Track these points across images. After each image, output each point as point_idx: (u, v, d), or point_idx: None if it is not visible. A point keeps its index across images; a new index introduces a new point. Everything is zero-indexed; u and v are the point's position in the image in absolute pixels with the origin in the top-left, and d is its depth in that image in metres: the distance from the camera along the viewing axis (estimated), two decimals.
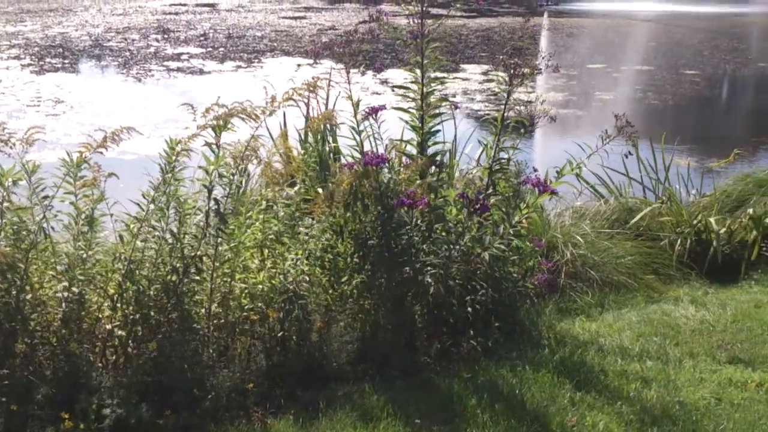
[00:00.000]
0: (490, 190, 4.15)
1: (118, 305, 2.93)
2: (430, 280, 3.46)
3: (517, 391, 3.05)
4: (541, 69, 4.12)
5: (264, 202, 3.38)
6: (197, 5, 26.08)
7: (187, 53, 15.64)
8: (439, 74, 4.23)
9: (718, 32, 20.58)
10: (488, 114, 10.50)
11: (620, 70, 14.65)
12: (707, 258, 4.86)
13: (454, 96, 11.50)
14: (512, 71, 4.06)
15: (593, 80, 13.46)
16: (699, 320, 3.86)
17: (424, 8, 4.06)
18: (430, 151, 4.25)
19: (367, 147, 4.14)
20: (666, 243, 5.03)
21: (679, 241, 4.98)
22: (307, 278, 3.14)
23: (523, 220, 3.98)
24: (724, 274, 4.80)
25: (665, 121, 10.87)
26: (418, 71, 4.10)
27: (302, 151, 4.62)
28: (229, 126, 2.93)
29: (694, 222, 5.10)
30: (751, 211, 5.14)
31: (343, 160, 4.80)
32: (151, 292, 2.92)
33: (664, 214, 5.32)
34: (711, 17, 24.79)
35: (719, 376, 3.20)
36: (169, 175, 2.94)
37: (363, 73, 11.89)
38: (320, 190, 4.05)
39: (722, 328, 3.76)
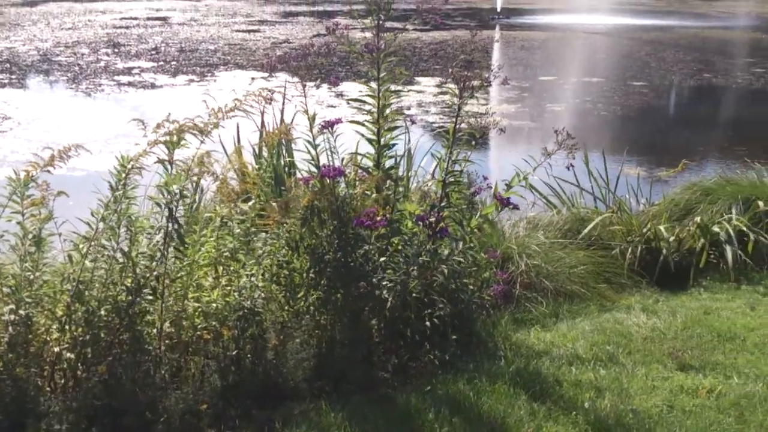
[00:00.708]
0: (444, 203, 4.18)
1: (67, 327, 2.85)
2: (387, 294, 3.46)
3: (474, 404, 3.06)
4: (490, 82, 4.17)
5: (219, 219, 3.34)
6: (149, 19, 25.77)
7: (139, 67, 15.43)
8: (395, 87, 4.25)
9: (665, 44, 21.14)
10: (443, 126, 10.58)
11: (570, 82, 14.93)
12: (658, 266, 4.97)
13: (409, 108, 11.57)
14: (462, 84, 4.10)
15: (545, 92, 13.69)
16: (650, 328, 3.93)
17: (380, 22, 4.07)
18: (387, 164, 4.27)
19: (323, 161, 4.14)
20: (617, 252, 5.12)
21: (630, 249, 5.08)
22: (263, 295, 3.11)
23: (478, 231, 4.02)
24: (674, 282, 4.90)
25: (615, 131, 11.11)
26: (374, 84, 4.11)
27: (257, 166, 4.59)
28: (183, 142, 2.89)
29: (644, 231, 5.21)
30: (698, 219, 5.27)
31: (298, 174, 4.78)
32: (102, 313, 2.85)
33: (615, 224, 5.42)
34: (657, 29, 25.47)
35: (671, 384, 3.26)
36: (120, 192, 2.89)
37: (318, 86, 11.87)
38: (274, 204, 4.04)
39: (673, 335, 3.84)
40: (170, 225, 2.78)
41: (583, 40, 22.95)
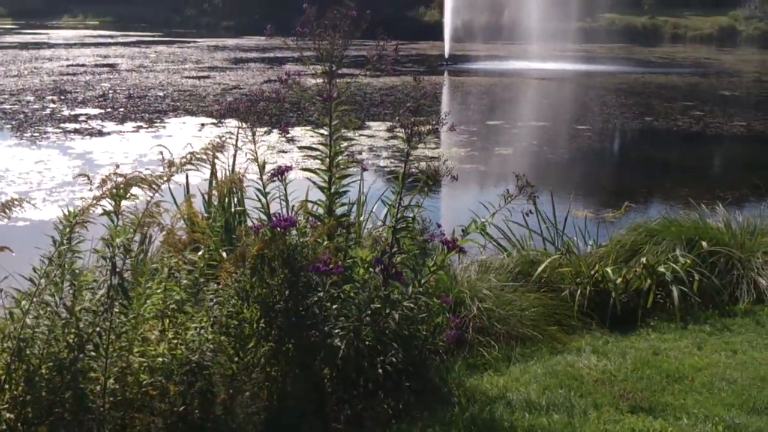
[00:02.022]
0: (395, 249, 4.19)
1: (7, 386, 2.74)
2: (339, 342, 3.43)
3: None
4: (438, 128, 4.24)
5: (166, 269, 3.28)
6: (96, 66, 25.55)
7: (86, 114, 15.23)
8: (346, 132, 4.28)
9: (607, 89, 21.83)
10: (394, 170, 10.67)
11: (517, 126, 15.26)
12: (607, 307, 5.04)
13: (360, 153, 11.65)
14: (410, 130, 4.16)
15: (493, 136, 13.95)
16: (601, 370, 3.97)
17: (332, 70, 4.11)
18: (338, 211, 4.26)
19: (274, 208, 4.12)
20: (567, 293, 5.18)
21: (579, 291, 5.14)
22: (211, 347, 3.04)
23: (431, 278, 4.02)
24: (623, 323, 4.97)
25: (562, 173, 11.35)
26: (325, 131, 4.13)
27: (207, 215, 4.53)
28: (129, 195, 2.84)
29: (592, 272, 5.29)
30: (644, 260, 5.38)
31: (249, 223, 4.74)
32: (43, 371, 2.75)
33: (563, 266, 5.50)
34: (600, 75, 26.31)
35: (622, 427, 3.28)
36: (65, 247, 2.82)
37: (269, 132, 11.89)
38: (224, 254, 3.98)
39: (623, 377, 3.87)
40: (114, 279, 2.71)
41: (529, 86, 23.56)
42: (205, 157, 3.11)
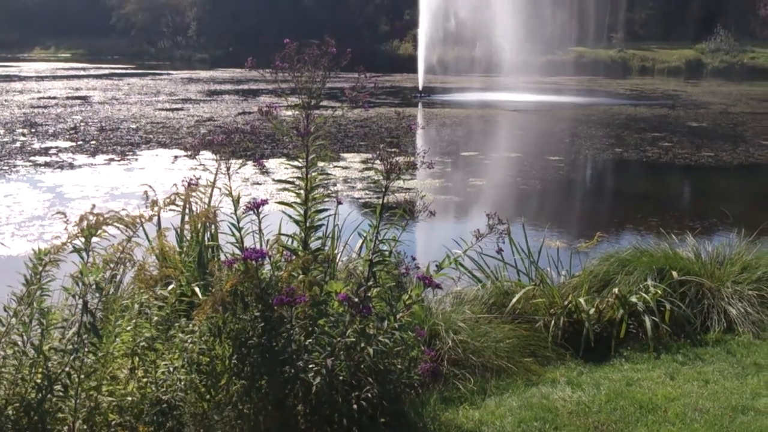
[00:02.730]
0: (371, 282, 4.18)
1: None
2: (313, 377, 3.40)
3: None
4: (416, 164, 4.27)
5: (136, 306, 3.24)
6: (68, 98, 25.40)
7: (56, 147, 15.10)
8: (323, 169, 4.29)
9: (578, 121, 22.17)
10: (369, 201, 10.69)
11: (491, 157, 15.41)
12: (581, 338, 5.07)
13: (335, 185, 11.66)
14: (389, 166, 4.18)
15: (467, 167, 14.06)
16: (575, 402, 3.98)
17: (309, 105, 4.12)
18: (313, 245, 4.25)
19: (248, 242, 4.10)
20: (541, 324, 5.21)
21: (553, 322, 5.17)
22: (182, 385, 3.00)
23: (406, 312, 4.02)
24: (596, 353, 5.00)
25: (535, 204, 11.46)
26: (301, 163, 4.13)
27: (179, 250, 4.50)
28: (101, 232, 2.81)
29: (566, 303, 5.32)
30: (616, 290, 5.43)
31: (222, 257, 4.71)
32: (9, 412, 2.69)
33: (537, 296, 5.53)
34: (571, 107, 26.74)
35: None
36: (35, 286, 2.77)
37: (243, 164, 11.87)
38: (197, 290, 3.95)
39: (597, 408, 3.88)
40: (85, 317, 2.67)
41: (502, 117, 23.85)
42: (187, 197, 3.11)
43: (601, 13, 53.19)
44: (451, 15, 36.57)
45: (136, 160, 13.88)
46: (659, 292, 5.39)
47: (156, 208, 2.94)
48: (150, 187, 3.43)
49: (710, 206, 11.60)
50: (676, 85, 39.12)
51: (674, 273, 5.66)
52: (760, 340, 5.12)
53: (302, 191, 4.17)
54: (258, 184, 11.55)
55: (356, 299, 3.61)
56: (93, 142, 15.91)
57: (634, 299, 5.33)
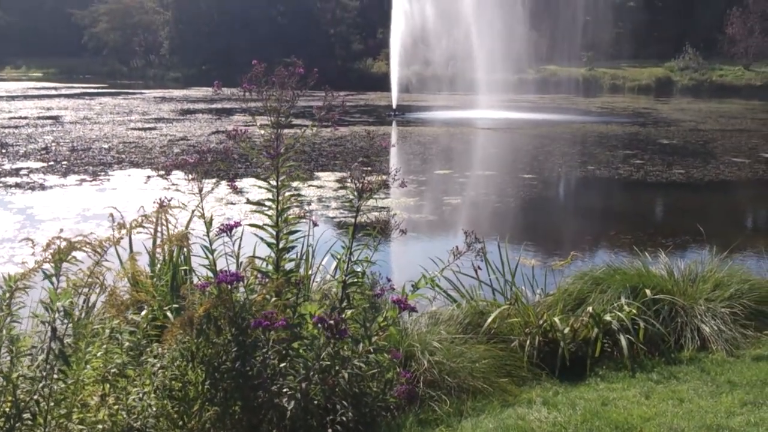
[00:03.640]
0: (345, 304, 4.16)
1: None
2: (287, 402, 3.36)
3: None
4: (388, 184, 4.26)
5: (107, 331, 3.18)
6: (39, 118, 25.11)
7: (27, 168, 14.90)
8: (294, 185, 4.27)
9: (551, 138, 22.40)
10: (343, 221, 10.67)
11: (465, 176, 15.48)
12: (556, 357, 5.07)
13: (309, 204, 11.63)
14: (362, 186, 4.18)
15: (441, 185, 14.11)
16: (551, 422, 3.97)
17: (279, 126, 4.11)
18: (287, 267, 4.22)
19: (221, 264, 4.06)
20: (516, 344, 5.21)
21: (528, 341, 5.17)
22: (154, 412, 2.94)
23: (380, 334, 3.99)
24: (572, 372, 5.00)
25: (509, 222, 11.52)
26: (273, 183, 4.11)
27: (151, 274, 4.44)
28: (71, 257, 2.76)
29: (541, 322, 5.33)
30: (590, 309, 5.45)
31: (195, 280, 4.66)
32: None
33: (512, 316, 5.53)
34: (543, 125, 27.03)
35: None
36: (4, 312, 2.71)
37: (217, 185, 11.79)
38: (169, 314, 3.89)
39: (573, 429, 3.88)
40: (54, 344, 2.61)
41: (475, 135, 24.02)
42: (158, 220, 3.07)
43: (572, 32, 54.01)
44: (424, 33, 36.85)
45: (108, 180, 13.73)
46: (633, 310, 5.42)
47: (123, 231, 2.89)
48: (116, 209, 3.38)
49: (682, 223, 11.75)
50: (646, 102, 39.74)
51: (648, 291, 5.70)
52: (733, 357, 5.16)
53: (274, 214, 4.14)
54: (231, 203, 11.47)
55: (331, 321, 3.58)
56: (64, 162, 15.72)
57: (608, 318, 5.36)
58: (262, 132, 4.15)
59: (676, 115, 31.11)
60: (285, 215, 4.18)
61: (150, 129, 22.12)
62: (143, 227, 3.02)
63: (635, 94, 48.57)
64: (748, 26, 51.55)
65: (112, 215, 3.11)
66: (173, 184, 9.79)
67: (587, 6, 58.34)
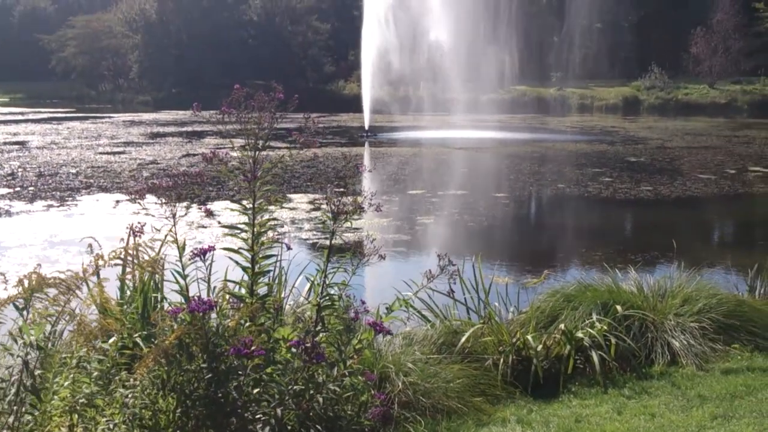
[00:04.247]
0: (320, 327, 4.14)
1: None
2: (261, 428, 3.32)
3: None
4: (364, 208, 4.27)
5: (75, 361, 3.13)
6: (5, 143, 24.77)
7: None
8: (272, 209, 4.26)
9: (521, 157, 22.63)
10: (317, 242, 10.65)
11: (438, 195, 15.55)
12: (530, 375, 5.10)
13: (282, 226, 11.58)
14: (336, 209, 4.18)
15: (414, 205, 14.16)
16: None
17: (257, 150, 4.10)
18: (261, 291, 4.19)
19: (194, 289, 4.02)
20: (490, 363, 5.22)
21: (502, 360, 5.20)
22: None
23: (355, 356, 3.98)
24: (545, 389, 5.03)
25: (482, 241, 11.57)
26: (247, 204, 4.09)
27: (121, 301, 4.38)
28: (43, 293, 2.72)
29: (514, 340, 5.36)
30: (563, 326, 5.50)
31: (166, 306, 4.60)
32: None
33: (486, 334, 5.55)
34: (514, 144, 27.31)
35: None
36: None
37: (188, 208, 11.71)
38: (139, 341, 3.84)
39: None
40: (23, 376, 2.57)
41: (447, 155, 24.17)
42: (127, 251, 3.04)
43: (540, 53, 54.86)
44: (395, 55, 37.15)
45: (76, 205, 13.57)
46: (604, 326, 5.48)
47: (101, 263, 2.86)
48: (94, 239, 3.34)
49: (651, 239, 11.92)
50: (614, 121, 40.38)
51: (618, 307, 5.77)
52: (703, 371, 5.23)
53: (249, 237, 4.12)
54: (203, 227, 11.39)
55: (308, 344, 3.56)
56: (31, 188, 15.51)
57: (580, 334, 5.40)
58: (236, 154, 4.14)
59: (643, 133, 31.64)
60: (260, 239, 4.16)
61: (119, 153, 21.93)
62: (121, 259, 2.99)
63: (603, 113, 49.36)
64: (712, 46, 52.75)
65: (90, 246, 3.08)
66: (143, 209, 9.72)
67: (555, 27, 59.39)
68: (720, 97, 51.00)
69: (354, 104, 41.14)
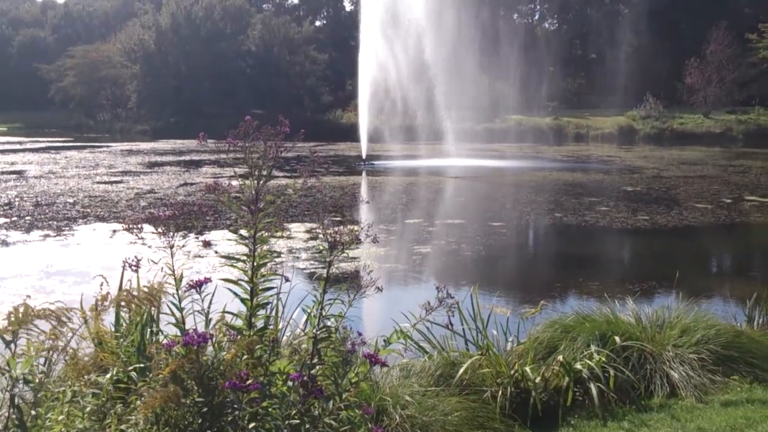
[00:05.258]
0: (316, 360, 4.11)
1: None
2: None
3: None
4: (360, 239, 4.26)
5: (69, 395, 3.09)
6: (2, 173, 24.80)
7: None
8: (273, 240, 4.25)
9: (518, 186, 22.70)
10: (314, 272, 10.62)
11: (435, 224, 15.56)
12: (528, 407, 5.05)
13: (279, 255, 11.56)
14: (333, 240, 4.17)
15: (411, 235, 14.15)
16: None
17: (260, 182, 4.10)
18: (260, 324, 4.16)
19: (190, 321, 3.99)
20: (489, 395, 5.18)
21: (500, 392, 5.15)
22: None
23: (352, 389, 3.94)
24: (544, 422, 4.98)
25: (479, 271, 11.55)
26: (248, 237, 4.07)
27: (116, 333, 4.35)
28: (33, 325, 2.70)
29: (512, 372, 5.32)
30: (561, 357, 5.46)
31: (162, 338, 4.57)
32: None
33: (484, 366, 5.51)
34: (511, 173, 27.41)
35: None
36: None
37: (185, 237, 11.67)
38: (134, 374, 3.80)
39: None
40: (11, 411, 2.54)
41: (445, 184, 24.24)
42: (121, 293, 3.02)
43: (537, 83, 55.35)
44: (391, 84, 37.46)
45: (73, 235, 13.54)
46: (603, 358, 5.45)
47: (107, 303, 2.84)
48: (104, 278, 3.32)
49: (648, 269, 11.91)
50: (610, 150, 40.60)
51: (617, 338, 5.74)
52: (702, 404, 5.19)
53: (249, 269, 4.10)
54: (200, 257, 11.36)
55: (306, 378, 3.53)
56: (28, 217, 15.48)
57: (578, 366, 5.37)
58: (235, 183, 4.14)
59: (639, 163, 31.79)
60: (260, 271, 4.14)
61: (116, 182, 21.95)
62: (125, 302, 2.97)
63: (599, 142, 49.65)
64: (706, 76, 53.31)
65: (102, 285, 3.06)
66: (140, 238, 9.72)
67: (551, 57, 59.99)
68: (715, 126, 51.38)
69: (351, 133, 41.41)
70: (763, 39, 56.28)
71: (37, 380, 2.79)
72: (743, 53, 55.53)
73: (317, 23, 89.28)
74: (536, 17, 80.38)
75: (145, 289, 3.95)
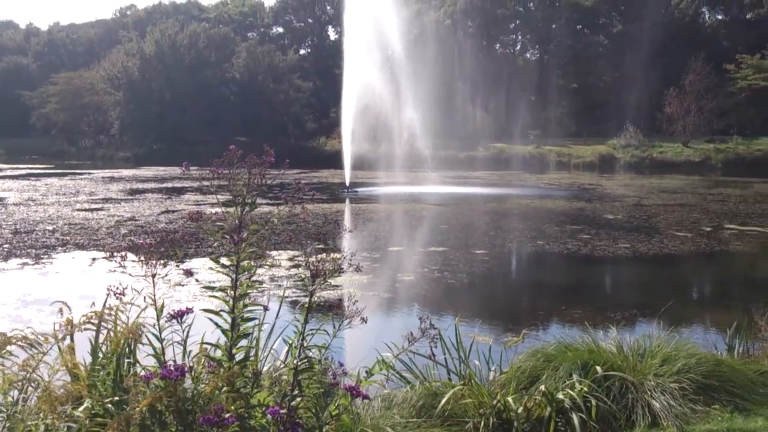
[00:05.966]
0: (297, 391, 4.07)
1: None
2: None
3: None
4: (343, 269, 4.26)
5: (42, 427, 3.03)
6: None
7: None
8: (260, 270, 4.23)
9: (501, 214, 22.81)
10: (296, 300, 10.56)
11: (417, 252, 15.56)
12: None
13: (261, 283, 11.47)
14: (315, 269, 4.16)
15: (394, 262, 14.14)
16: None
17: (244, 212, 4.09)
18: (240, 356, 4.12)
19: (171, 353, 3.95)
20: (471, 426, 5.14)
21: (482, 422, 5.12)
22: None
23: (333, 422, 3.91)
24: None
25: (463, 299, 11.55)
26: (231, 266, 4.05)
27: (93, 366, 4.28)
28: (4, 353, 2.66)
29: (494, 402, 5.29)
30: (543, 387, 5.45)
31: (139, 370, 4.50)
32: None
33: (466, 396, 5.48)
34: (493, 200, 27.55)
35: None
36: None
37: (165, 264, 11.56)
38: (110, 406, 3.75)
39: None
40: None
41: (427, 211, 24.29)
42: (101, 316, 2.99)
43: (519, 112, 55.98)
44: (375, 112, 37.69)
45: (52, 263, 13.40)
46: (585, 388, 5.43)
47: (70, 328, 2.80)
48: (65, 304, 3.27)
49: (629, 297, 11.97)
50: (591, 179, 40.97)
51: (598, 368, 5.73)
52: None
53: (230, 299, 4.07)
54: (180, 285, 11.26)
55: (284, 412, 3.49)
56: (6, 245, 15.31)
57: (560, 396, 5.35)
58: (219, 210, 4.13)
59: (620, 191, 32.08)
60: (242, 301, 4.11)
61: (97, 210, 21.80)
62: (92, 323, 2.93)
63: (580, 170, 50.12)
64: (685, 105, 54.14)
65: (61, 309, 3.02)
66: (121, 266, 9.63)
67: (533, 87, 60.74)
68: (694, 155, 52.06)
69: (335, 160, 41.50)
70: (740, 69, 57.41)
71: (9, 411, 2.74)
72: (721, 83, 56.55)
73: (302, 51, 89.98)
74: (518, 47, 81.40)
75: (123, 318, 3.90)
